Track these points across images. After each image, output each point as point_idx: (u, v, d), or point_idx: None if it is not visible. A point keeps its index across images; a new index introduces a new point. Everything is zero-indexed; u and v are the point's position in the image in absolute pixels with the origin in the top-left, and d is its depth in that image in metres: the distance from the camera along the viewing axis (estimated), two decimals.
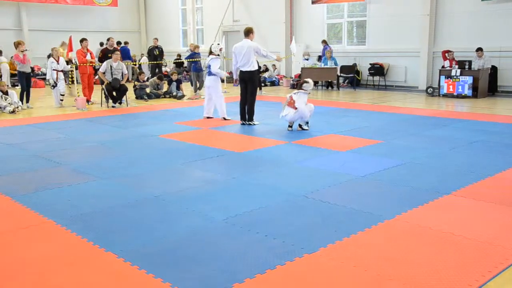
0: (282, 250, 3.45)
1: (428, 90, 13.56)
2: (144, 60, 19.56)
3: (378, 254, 3.38)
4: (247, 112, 8.99)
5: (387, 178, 5.30)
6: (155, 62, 17.93)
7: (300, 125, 8.31)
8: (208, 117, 9.80)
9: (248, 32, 8.80)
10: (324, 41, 16.59)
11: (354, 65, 15.99)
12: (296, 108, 8.01)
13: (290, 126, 8.28)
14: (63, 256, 3.44)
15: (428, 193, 4.72)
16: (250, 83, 8.89)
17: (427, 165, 5.85)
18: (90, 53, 12.49)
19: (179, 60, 18.78)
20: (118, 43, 18.20)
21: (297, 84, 8.48)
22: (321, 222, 4.03)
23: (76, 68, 12.68)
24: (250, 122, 8.97)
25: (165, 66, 19.65)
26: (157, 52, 18.26)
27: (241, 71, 8.88)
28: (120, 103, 12.06)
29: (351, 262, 3.26)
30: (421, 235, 3.73)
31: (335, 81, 15.69)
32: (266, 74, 17.64)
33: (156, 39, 18.87)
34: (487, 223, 3.95)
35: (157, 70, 17.85)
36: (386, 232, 3.79)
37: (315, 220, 4.07)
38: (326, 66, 15.31)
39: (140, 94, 13.51)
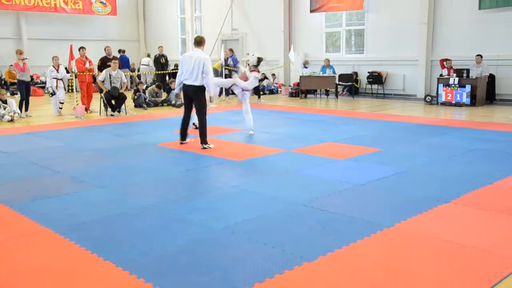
0: (281, 259, 3.43)
1: (427, 98, 13.59)
2: (144, 70, 19.52)
3: (377, 263, 3.37)
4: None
5: (386, 186, 5.30)
6: (162, 71, 17.84)
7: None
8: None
9: (200, 42, 7.61)
10: (231, 50, 16.18)
11: (354, 73, 16.02)
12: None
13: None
14: (61, 265, 3.42)
15: (427, 201, 4.71)
16: (196, 100, 7.63)
17: (426, 173, 5.85)
18: (89, 62, 12.52)
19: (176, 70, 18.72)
20: (120, 51, 18.23)
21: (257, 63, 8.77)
22: (320, 230, 4.02)
23: (75, 77, 12.70)
24: (204, 145, 7.53)
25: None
26: (164, 60, 18.24)
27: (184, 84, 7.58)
28: (119, 111, 12.08)
29: (350, 271, 3.25)
30: (420, 243, 3.72)
31: (333, 90, 15.72)
32: (264, 83, 17.67)
33: (161, 47, 18.84)
34: (486, 232, 3.95)
35: (168, 79, 17.70)
36: (385, 241, 3.78)
37: (314, 228, 4.06)
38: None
39: (139, 103, 13.54)
